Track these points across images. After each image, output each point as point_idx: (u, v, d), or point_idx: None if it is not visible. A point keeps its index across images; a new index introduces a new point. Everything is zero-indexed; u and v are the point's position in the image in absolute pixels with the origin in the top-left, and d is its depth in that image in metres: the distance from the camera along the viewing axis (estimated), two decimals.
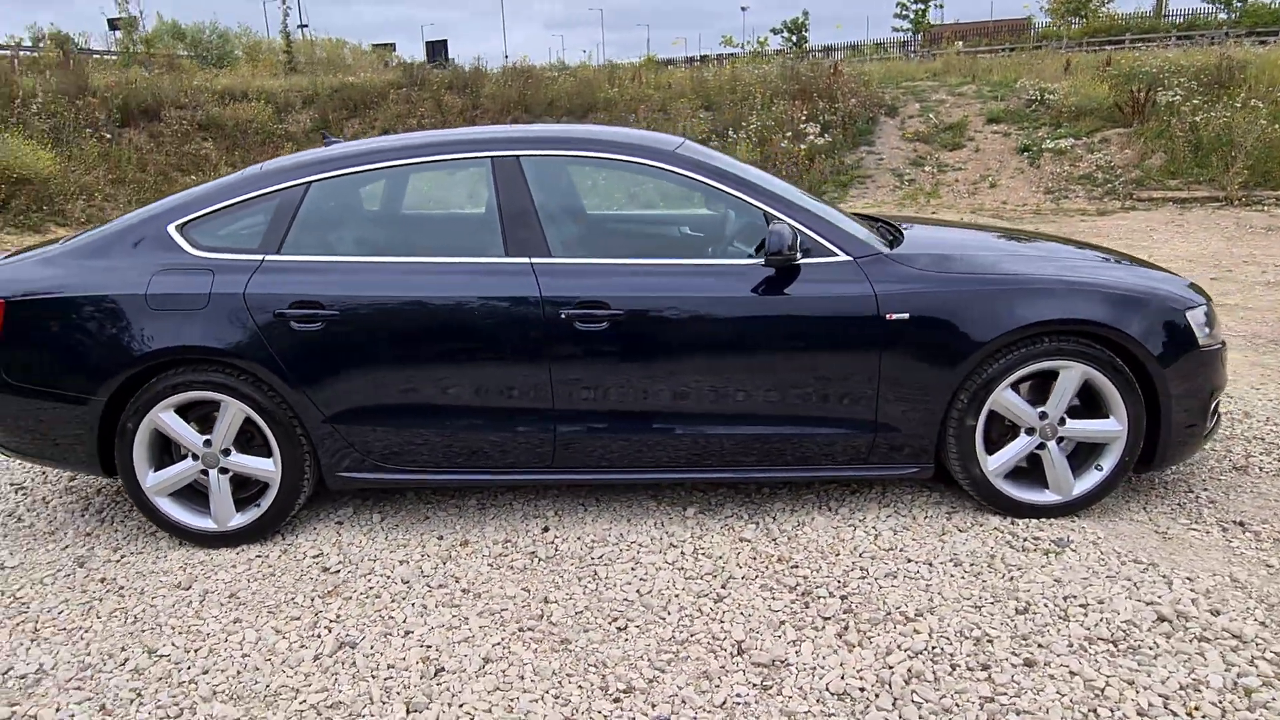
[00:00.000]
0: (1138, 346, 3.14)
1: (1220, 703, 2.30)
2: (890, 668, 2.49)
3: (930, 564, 3.03)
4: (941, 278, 3.18)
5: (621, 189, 3.72)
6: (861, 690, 2.41)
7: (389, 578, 3.07)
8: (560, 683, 2.49)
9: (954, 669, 2.48)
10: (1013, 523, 3.29)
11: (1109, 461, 3.27)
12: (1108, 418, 3.24)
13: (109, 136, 16.25)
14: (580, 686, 2.47)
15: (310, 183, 3.31)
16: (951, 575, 2.95)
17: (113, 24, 41.92)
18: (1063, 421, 3.25)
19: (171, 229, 3.29)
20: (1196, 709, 2.28)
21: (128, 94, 17.18)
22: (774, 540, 3.23)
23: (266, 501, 3.29)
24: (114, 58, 26.02)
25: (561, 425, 3.22)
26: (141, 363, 3.16)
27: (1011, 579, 2.92)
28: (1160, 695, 2.34)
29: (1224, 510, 3.39)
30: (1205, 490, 3.58)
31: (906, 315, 3.13)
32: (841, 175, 15.85)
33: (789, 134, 16.47)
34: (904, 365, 3.16)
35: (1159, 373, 3.16)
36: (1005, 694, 2.38)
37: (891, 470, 3.30)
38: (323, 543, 3.32)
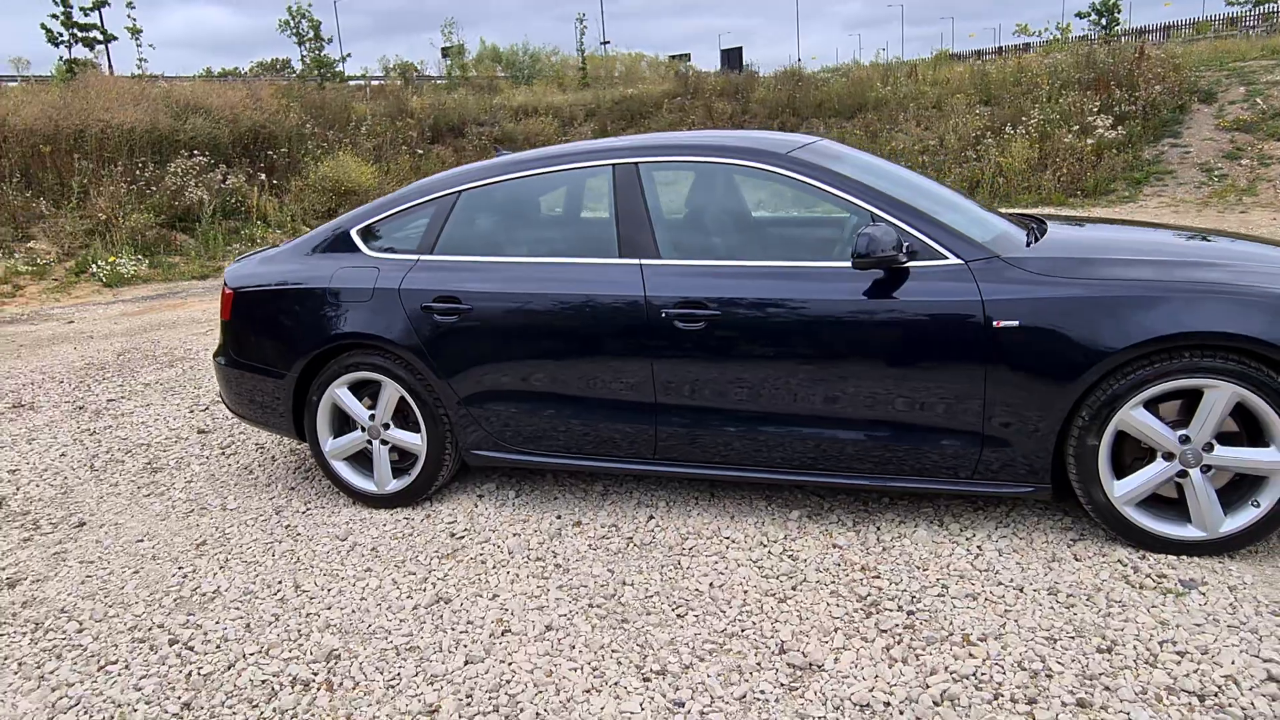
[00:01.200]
0: None
1: None
2: (926, 687, 2.40)
3: (1022, 589, 2.83)
4: (1060, 282, 2.95)
5: (756, 194, 3.77)
6: (886, 705, 2.35)
7: (499, 547, 3.40)
8: (603, 657, 2.66)
9: (996, 698, 2.34)
10: (1143, 557, 2.97)
11: (1269, 497, 2.85)
12: (1268, 446, 2.83)
13: (420, 151, 18.41)
14: (619, 663, 2.63)
15: (461, 191, 3.72)
16: (1039, 604, 2.75)
17: (445, 52, 47.23)
18: (1210, 448, 2.88)
19: (353, 232, 3.85)
20: None
21: (437, 114, 19.34)
22: (866, 549, 3.17)
23: (415, 471, 3.75)
24: (444, 81, 29.23)
25: (661, 419, 3.37)
26: (324, 345, 3.73)
27: (1108, 615, 2.66)
28: None
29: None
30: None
31: (1016, 322, 2.94)
32: (1135, 172, 14.33)
33: (1075, 127, 15.17)
34: (1013, 376, 2.97)
35: None
36: None
37: (1001, 488, 3.10)
38: (458, 512, 3.72)
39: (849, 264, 3.12)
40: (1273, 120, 14.40)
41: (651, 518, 3.55)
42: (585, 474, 3.96)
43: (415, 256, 3.70)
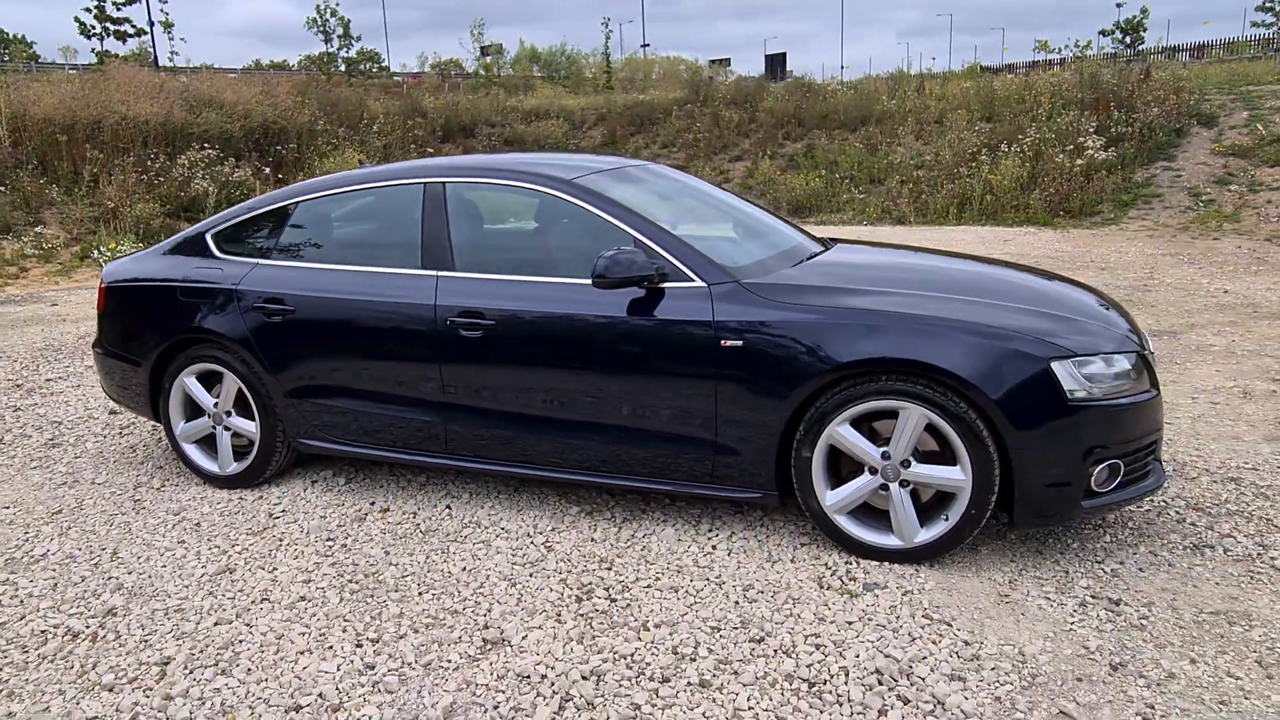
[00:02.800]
0: (976, 393, 2.98)
1: None
2: (584, 663, 2.71)
3: (721, 584, 3.13)
4: (782, 306, 3.23)
5: (543, 215, 4.05)
6: (542, 677, 2.66)
7: (301, 527, 3.76)
8: (334, 625, 3.01)
9: (638, 676, 2.64)
10: (849, 562, 3.24)
11: (955, 512, 3.11)
12: (955, 465, 3.09)
13: (430, 150, 18.91)
14: (344, 630, 2.97)
15: (298, 202, 4.10)
16: (726, 598, 3.04)
17: (484, 50, 47.83)
18: (907, 464, 3.14)
19: (208, 236, 4.24)
20: None
21: (449, 115, 19.81)
22: (615, 543, 3.48)
23: (251, 455, 4.12)
24: (477, 79, 29.74)
25: (449, 417, 3.70)
26: (173, 337, 4.13)
27: (780, 610, 2.95)
28: None
29: (1109, 585, 3.07)
30: (1114, 562, 3.22)
31: (740, 342, 3.23)
32: (1124, 194, 14.33)
33: (1069, 147, 15.19)
34: (738, 391, 3.25)
35: (1003, 423, 2.97)
36: (653, 704, 2.51)
37: (734, 493, 3.39)
38: (288, 495, 4.10)
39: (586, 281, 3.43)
40: (1270, 146, 14.29)
41: (449, 507, 3.89)
42: (415, 466, 4.30)
43: (255, 260, 4.08)
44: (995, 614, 2.91)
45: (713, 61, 45.86)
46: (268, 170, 15.48)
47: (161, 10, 21.58)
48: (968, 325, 3.07)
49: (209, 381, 4.20)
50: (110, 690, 2.71)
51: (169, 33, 21.18)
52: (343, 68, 26.28)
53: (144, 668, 2.81)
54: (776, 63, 40.00)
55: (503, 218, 3.88)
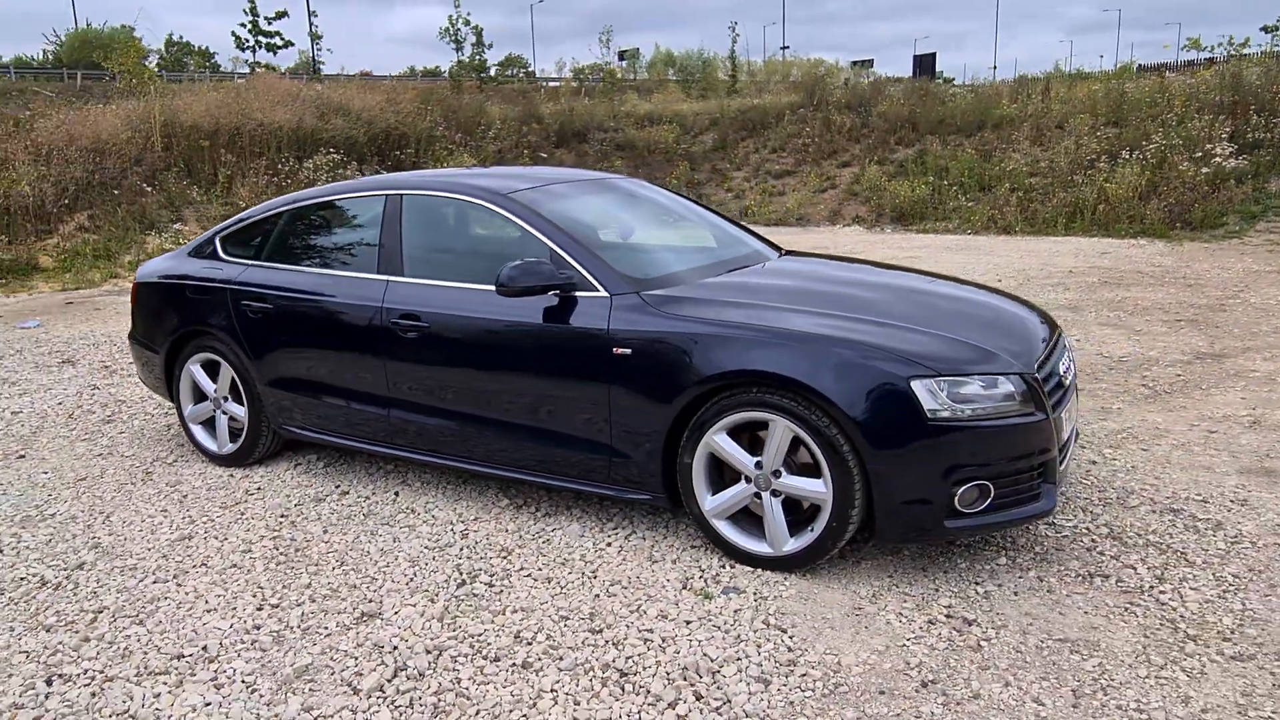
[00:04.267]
0: (834, 408, 3.05)
1: None
2: (433, 638, 2.97)
3: (593, 578, 3.32)
4: (668, 317, 3.39)
5: (484, 227, 4.29)
6: (394, 649, 2.94)
7: (264, 504, 4.19)
8: (247, 590, 3.38)
9: (471, 653, 2.88)
10: (725, 566, 3.37)
11: (819, 524, 3.19)
12: (820, 478, 3.17)
13: (544, 155, 19.58)
14: (254, 595, 3.34)
15: (285, 210, 4.54)
16: (589, 592, 3.23)
17: (621, 55, 48.62)
18: (778, 475, 3.24)
19: (217, 239, 4.75)
20: None
21: (564, 120, 20.44)
22: (521, 535, 3.72)
23: (241, 437, 4.60)
24: (606, 85, 30.42)
25: (391, 410, 4.04)
26: (180, 329, 4.65)
27: (630, 605, 3.12)
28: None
29: (972, 606, 3.08)
30: (993, 584, 3.21)
31: (629, 351, 3.41)
32: (1253, 205, 13.36)
33: (1197, 155, 14.26)
34: (627, 397, 3.43)
35: (859, 438, 3.03)
36: (473, 680, 2.75)
37: (629, 494, 3.57)
38: (270, 475, 4.55)
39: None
40: None
41: (397, 494, 4.23)
42: (371, 454, 4.66)
43: (248, 262, 4.55)
44: (838, 625, 2.98)
45: (855, 63, 44.98)
46: (382, 173, 16.46)
47: (311, 23, 23.29)
48: (835, 341, 3.14)
49: (213, 370, 4.69)
50: (47, 630, 3.16)
51: (317, 44, 22.83)
52: (489, 74, 27.38)
53: (82, 614, 3.26)
54: (925, 63, 38.91)
55: (447, 228, 4.17)
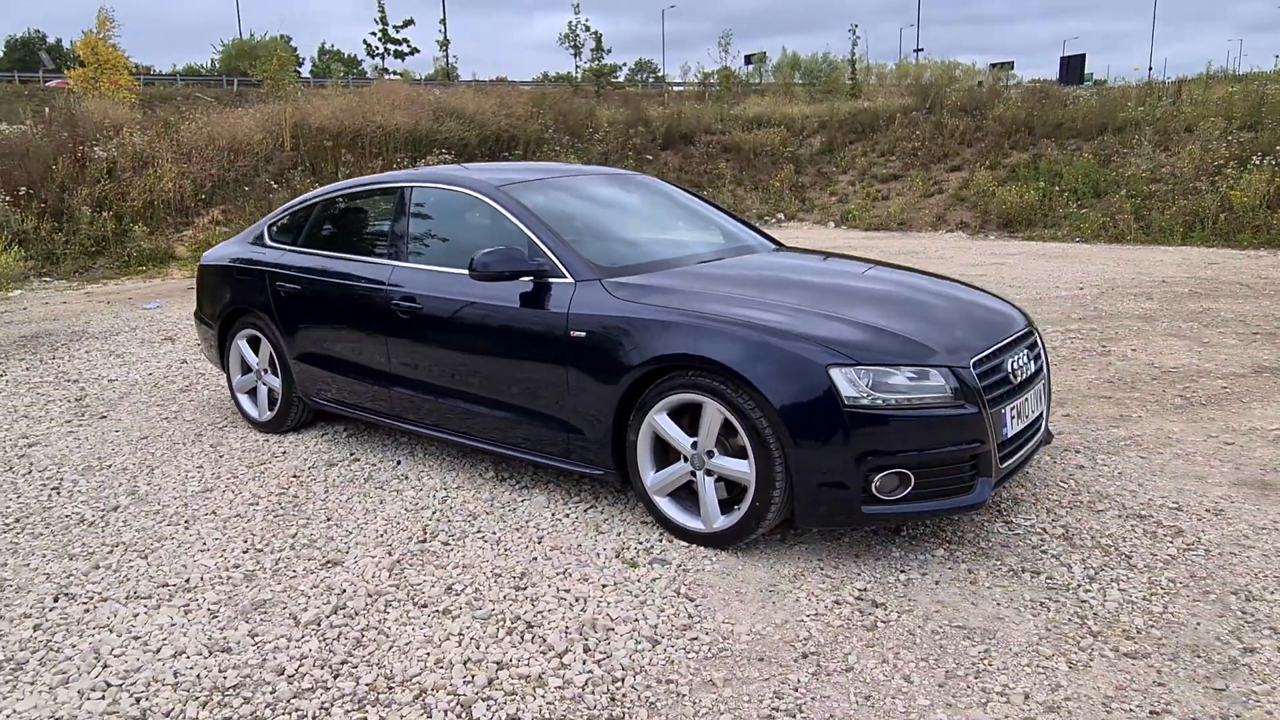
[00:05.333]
0: (756, 393, 3.19)
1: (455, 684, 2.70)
2: (377, 595, 3.28)
3: (537, 543, 3.56)
4: (622, 303, 3.59)
5: (477, 217, 4.58)
6: (343, 591, 3.27)
7: (282, 466, 4.62)
8: (238, 536, 3.79)
9: (404, 601, 3.17)
10: (664, 539, 3.55)
11: (745, 504, 3.33)
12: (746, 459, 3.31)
13: (649, 158, 19.91)
14: (244, 541, 3.74)
15: (320, 201, 4.97)
16: (529, 553, 3.48)
17: (748, 59, 48.60)
18: (711, 455, 3.40)
19: (265, 227, 5.24)
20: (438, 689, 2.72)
21: (671, 122, 20.72)
22: (491, 503, 4.01)
23: (277, 406, 5.07)
24: (720, 88, 30.58)
25: (393, 384, 4.40)
26: (230, 308, 5.17)
27: (560, 568, 3.34)
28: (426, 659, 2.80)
29: (886, 591, 3.15)
30: (918, 572, 3.28)
31: (584, 334, 3.64)
32: None
33: None
34: (581, 377, 3.66)
35: (778, 422, 3.16)
36: (396, 621, 3.04)
37: (583, 468, 3.79)
38: (301, 441, 5.00)
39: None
40: None
41: (399, 462, 4.59)
42: (378, 425, 5.05)
43: (288, 247, 5.01)
44: (748, 599, 3.12)
45: (994, 65, 43.48)
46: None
47: (440, 31, 24.37)
48: (762, 329, 3.28)
49: (256, 345, 5.18)
50: (70, 559, 3.65)
51: (444, 51, 23.97)
52: (610, 79, 27.98)
53: (101, 548, 3.74)
54: (1073, 65, 37.28)
55: (445, 217, 4.49)
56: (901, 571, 3.30)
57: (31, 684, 2.75)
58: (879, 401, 3.13)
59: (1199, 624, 2.89)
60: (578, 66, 25.17)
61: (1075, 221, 15.04)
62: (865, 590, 3.17)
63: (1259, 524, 3.59)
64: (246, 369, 5.28)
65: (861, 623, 2.96)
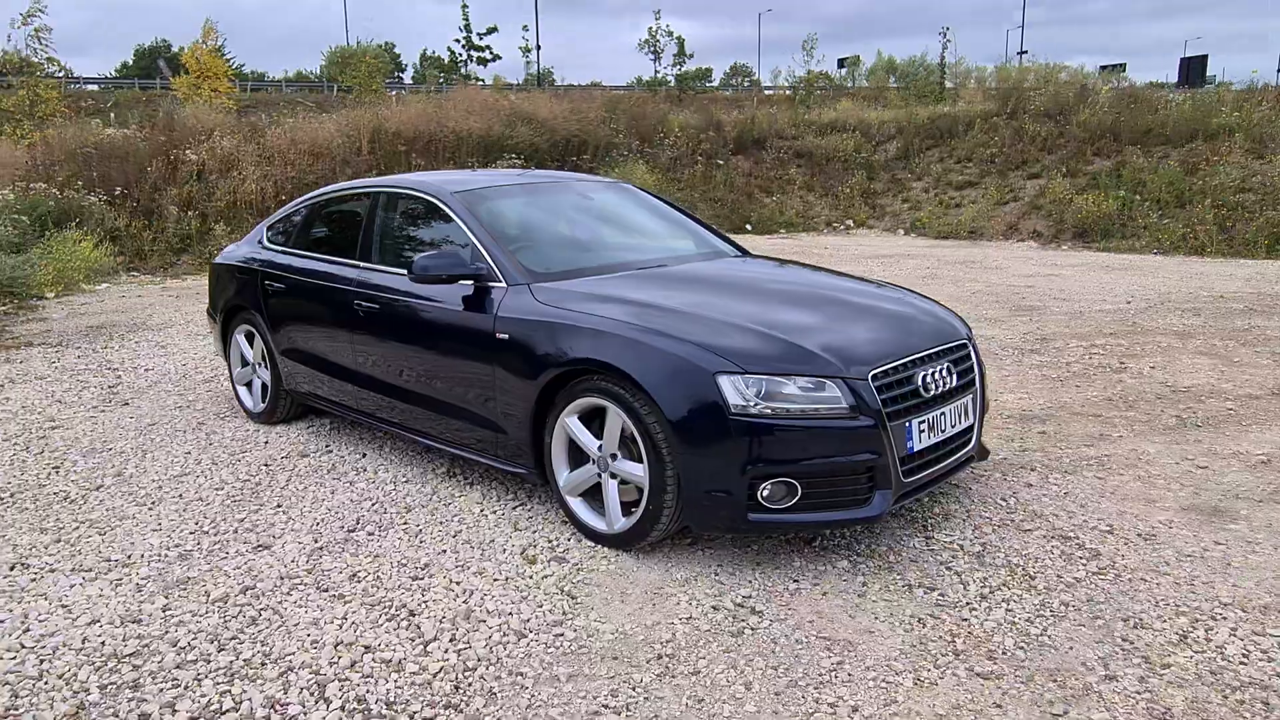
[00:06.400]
0: (648, 398, 3.25)
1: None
2: (323, 574, 3.47)
3: (455, 537, 3.70)
4: (541, 308, 3.70)
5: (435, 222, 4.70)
6: (284, 565, 3.47)
7: (259, 455, 4.88)
8: (193, 516, 4.05)
9: (316, 583, 3.35)
10: (574, 539, 3.64)
11: (640, 507, 3.39)
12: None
13: (720, 162, 19.93)
14: (196, 522, 3.99)
15: (310, 204, 5.24)
16: (443, 546, 3.62)
17: (841, 62, 47.89)
18: (615, 458, 3.47)
19: (264, 229, 5.55)
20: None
21: (743, 128, 20.68)
22: (430, 498, 4.15)
23: (267, 398, 5.36)
24: (801, 93, 30.31)
25: (357, 379, 4.61)
26: (229, 305, 5.49)
27: (462, 561, 3.47)
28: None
29: (769, 600, 3.17)
30: (810, 583, 3.28)
31: (506, 336, 3.76)
32: None
33: None
34: (504, 379, 3.78)
35: (666, 428, 3.22)
36: (298, 597, 3.22)
37: (508, 466, 3.90)
38: (284, 431, 5.27)
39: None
40: None
41: (365, 455, 4.80)
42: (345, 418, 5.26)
43: (278, 248, 5.30)
44: (630, 600, 3.18)
45: (1104, 68, 41.75)
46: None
47: (523, 37, 24.96)
48: (658, 335, 3.33)
49: (253, 340, 5.49)
50: (41, 532, 3.96)
51: (527, 56, 24.52)
52: (691, 84, 28.10)
53: (71, 523, 4.05)
54: (1193, 67, 35.61)
55: (408, 221, 4.67)
56: (794, 581, 3.30)
57: None
58: (766, 411, 3.14)
59: (1071, 649, 2.82)
60: (656, 72, 25.31)
61: (1155, 233, 14.40)
62: (749, 597, 3.19)
63: (1186, 551, 3.45)
64: (245, 362, 5.59)
65: (729, 628, 2.98)
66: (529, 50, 24.41)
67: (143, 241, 14.15)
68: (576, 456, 3.67)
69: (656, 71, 25.48)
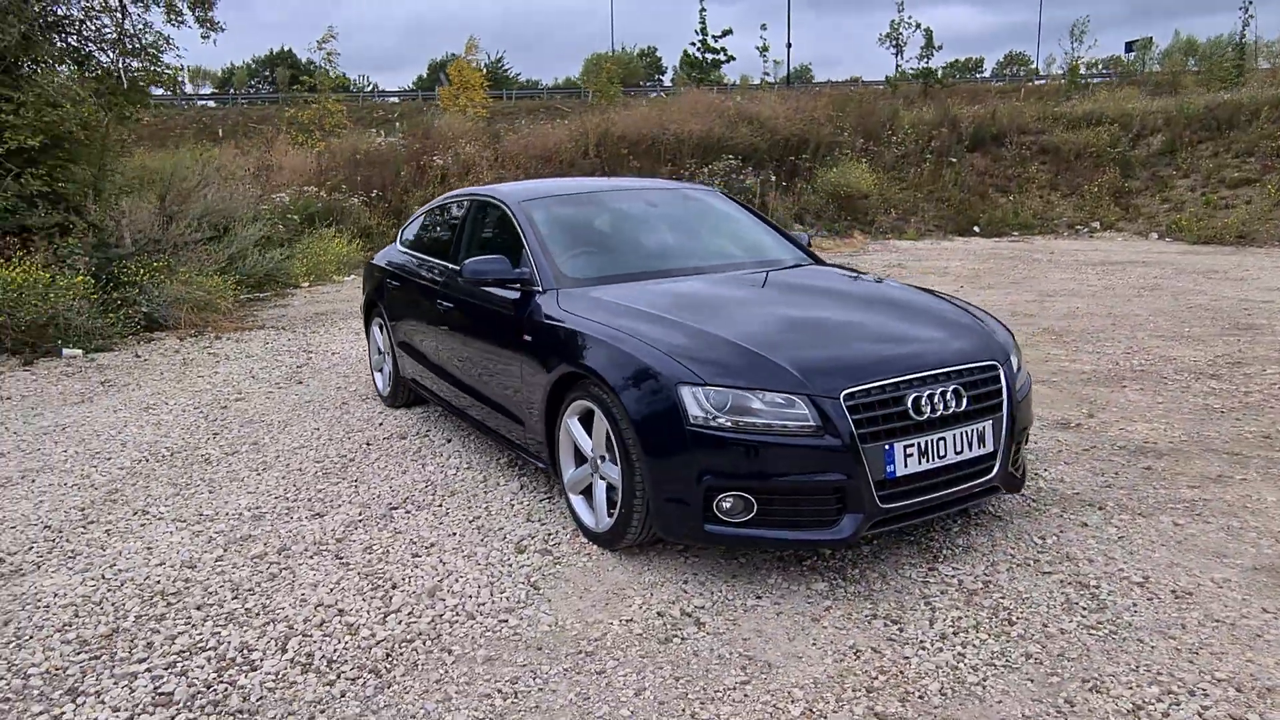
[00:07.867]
0: (619, 405, 3.36)
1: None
2: (348, 542, 3.93)
3: (463, 522, 3.98)
4: (560, 313, 3.88)
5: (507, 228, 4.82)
6: (318, 540, 3.96)
7: (368, 434, 5.46)
8: (287, 488, 4.64)
9: (314, 556, 3.78)
10: (565, 529, 3.82)
11: (617, 509, 3.49)
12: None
13: (953, 160, 18.97)
14: (280, 492, 4.59)
15: (430, 210, 5.76)
16: (442, 527, 3.92)
17: (1129, 46, 43.60)
18: (604, 460, 3.61)
19: (402, 231, 6.16)
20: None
21: (981, 122, 19.51)
22: (456, 479, 4.48)
23: (390, 386, 5.96)
24: (1065, 82, 28.03)
25: (445, 372, 5.04)
26: (368, 297, 6.16)
27: (456, 544, 3.74)
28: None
29: (721, 611, 3.17)
30: (776, 599, 3.24)
31: (531, 338, 3.99)
32: None
33: None
34: (526, 377, 4.02)
35: (633, 434, 3.31)
36: (290, 565, 3.65)
37: (533, 460, 4.13)
38: (407, 415, 5.84)
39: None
40: None
41: (450, 440, 5.23)
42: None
43: (404, 249, 5.87)
44: (588, 597, 3.30)
45: None
46: (773, 178, 17.44)
47: (760, 36, 24.97)
48: (634, 344, 3.41)
49: (383, 330, 6.12)
50: (169, 484, 4.72)
51: (763, 56, 24.56)
52: (938, 78, 27.00)
53: (193, 480, 4.78)
54: None
55: (491, 226, 4.99)
56: (757, 597, 3.27)
57: (57, 569, 3.72)
58: (724, 424, 3.14)
59: (999, 704, 2.60)
60: (897, 66, 24.40)
61: None
62: (701, 608, 3.20)
63: (1217, 615, 3.01)
64: (379, 351, 6.23)
65: (659, 635, 3.03)
66: (765, 50, 24.42)
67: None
68: (579, 456, 3.82)
69: (897, 66, 24.53)
